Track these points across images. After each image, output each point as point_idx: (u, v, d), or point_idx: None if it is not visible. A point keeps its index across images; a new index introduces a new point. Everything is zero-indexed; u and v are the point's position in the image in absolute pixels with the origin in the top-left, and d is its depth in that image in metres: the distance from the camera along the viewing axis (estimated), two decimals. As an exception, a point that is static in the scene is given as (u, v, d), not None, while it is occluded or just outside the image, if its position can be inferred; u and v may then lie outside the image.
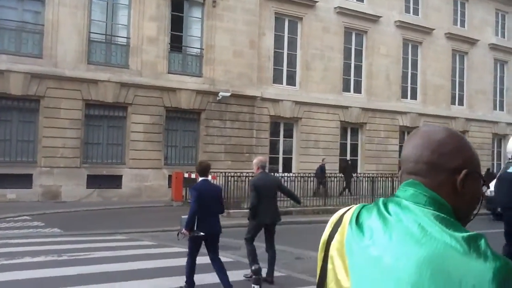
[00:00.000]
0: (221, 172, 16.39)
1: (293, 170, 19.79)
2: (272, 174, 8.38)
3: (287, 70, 20.97)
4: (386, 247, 1.05)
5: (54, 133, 15.66)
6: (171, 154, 18.07)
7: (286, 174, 17.38)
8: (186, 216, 6.13)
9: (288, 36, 21.09)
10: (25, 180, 15.20)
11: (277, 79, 20.58)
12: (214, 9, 18.71)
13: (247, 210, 14.41)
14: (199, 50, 18.72)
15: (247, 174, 15.71)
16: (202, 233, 6.07)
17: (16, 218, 12.26)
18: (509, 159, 15.66)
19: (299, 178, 16.19)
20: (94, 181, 16.23)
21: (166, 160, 17.76)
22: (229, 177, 14.72)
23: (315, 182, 17.79)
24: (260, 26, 19.84)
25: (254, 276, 5.19)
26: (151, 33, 17.47)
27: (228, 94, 18.44)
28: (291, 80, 21.02)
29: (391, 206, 1.12)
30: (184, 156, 18.32)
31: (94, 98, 16.44)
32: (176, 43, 18.39)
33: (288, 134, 20.91)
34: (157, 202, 16.52)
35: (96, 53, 16.90)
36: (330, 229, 1.22)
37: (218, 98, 18.38)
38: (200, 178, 6.44)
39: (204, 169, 6.42)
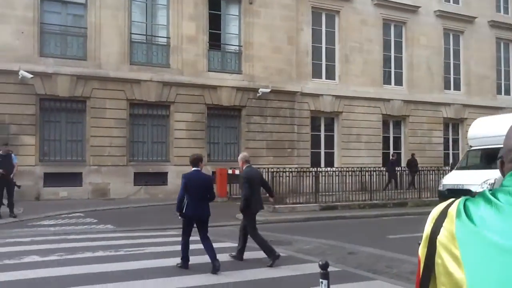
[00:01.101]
0: (263, 168, 16.45)
1: (335, 164, 19.64)
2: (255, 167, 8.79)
3: (326, 64, 20.81)
4: (503, 232, 1.06)
5: (101, 132, 16.07)
6: (213, 150, 18.26)
7: (328, 168, 17.27)
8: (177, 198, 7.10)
9: (326, 30, 20.92)
10: (75, 179, 15.69)
11: (316, 74, 20.45)
12: (251, 6, 18.76)
13: (292, 205, 14.56)
14: (237, 47, 18.81)
15: (290, 169, 15.75)
16: (181, 215, 7.03)
17: (70, 215, 12.65)
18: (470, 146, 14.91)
19: (343, 172, 16.03)
20: (140, 178, 16.58)
21: (209, 156, 17.95)
22: (273, 173, 14.70)
23: (387, 176, 18.17)
24: (298, 21, 19.76)
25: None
26: (190, 32, 17.67)
27: (268, 90, 18.46)
28: (330, 74, 20.85)
29: (500, 195, 1.13)
30: (226, 153, 18.47)
31: (138, 98, 16.77)
32: (215, 41, 18.53)
33: (329, 129, 20.77)
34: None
35: (137, 54, 17.23)
36: (432, 224, 1.22)
37: (258, 95, 18.42)
38: (192, 168, 7.14)
39: (194, 160, 7.19)
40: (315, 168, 16.82)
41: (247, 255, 8.24)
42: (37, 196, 14.94)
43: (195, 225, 7.28)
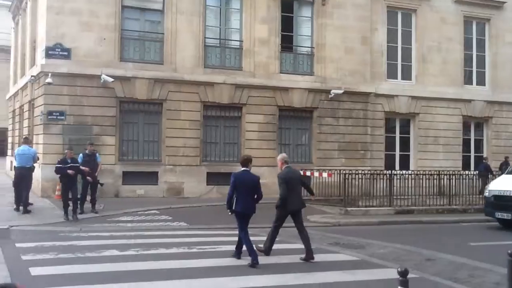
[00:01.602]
0: (336, 170, 16.18)
1: (412, 167, 18.86)
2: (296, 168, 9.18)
3: (401, 64, 20.08)
4: None
5: (176, 133, 16.56)
6: (285, 152, 18.15)
7: (403, 171, 16.61)
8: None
9: (401, 30, 20.21)
10: (151, 177, 16.27)
11: (391, 74, 19.80)
12: (324, 7, 18.52)
13: (365, 208, 14.17)
14: (309, 49, 18.65)
15: (363, 172, 15.33)
16: (232, 211, 7.53)
17: (146, 212, 13.12)
18: None
19: (420, 176, 15.37)
20: (213, 178, 16.87)
21: (280, 158, 17.88)
22: (346, 175, 14.39)
23: (480, 181, 17.26)
24: (372, 20, 19.24)
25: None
26: (262, 35, 17.75)
27: (341, 91, 18.12)
28: (406, 75, 20.09)
29: None
30: (298, 154, 18.34)
31: (211, 100, 17.10)
32: (287, 43, 18.48)
33: (405, 131, 20.00)
34: (272, 199, 16.62)
35: (211, 57, 17.57)
36: None
37: (330, 96, 18.14)
38: (242, 168, 7.71)
39: (244, 161, 7.83)
40: (389, 171, 16.25)
41: (320, 257, 8.10)
42: (116, 193, 15.65)
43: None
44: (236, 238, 9.90)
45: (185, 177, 16.62)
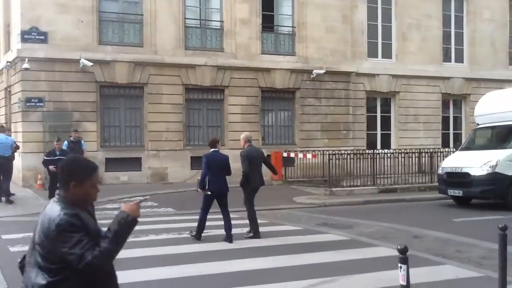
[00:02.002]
0: (319, 150, 16.30)
1: (392, 146, 19.14)
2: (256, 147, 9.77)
3: (382, 42, 20.13)
4: None
5: (158, 117, 16.38)
6: (268, 134, 18.23)
7: (385, 150, 16.84)
8: (199, 178, 8.12)
9: (381, 7, 20.20)
10: (135, 163, 16.12)
11: (372, 53, 19.85)
12: (304, -14, 18.37)
13: (349, 188, 14.34)
14: (291, 28, 18.54)
15: (346, 152, 15.47)
16: (209, 192, 7.86)
17: (132, 199, 12.92)
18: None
19: (402, 154, 15.60)
20: (197, 163, 16.55)
21: (263, 140, 17.93)
22: (330, 155, 14.49)
23: None
24: (352, -1, 19.18)
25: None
26: (243, 15, 17.55)
27: (323, 71, 18.12)
28: (387, 53, 20.16)
29: None
30: (281, 136, 18.39)
31: (193, 83, 16.92)
32: (268, 23, 18.33)
33: (386, 110, 20.19)
34: (258, 182, 16.77)
35: (192, 39, 17.33)
36: None
37: (312, 76, 18.14)
38: (211, 149, 8.17)
39: (212, 142, 8.30)
40: (372, 150, 16.43)
41: (309, 238, 8.20)
42: (100, 180, 15.45)
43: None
44: (221, 223, 9.99)
45: (169, 162, 16.51)
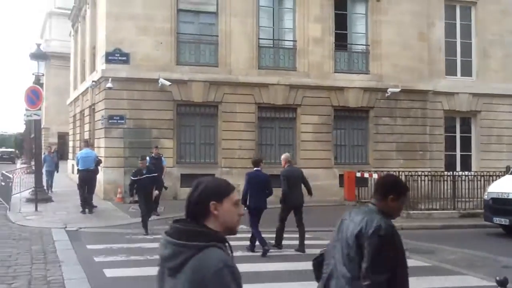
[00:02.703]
0: (394, 171, 15.72)
1: (473, 168, 18.15)
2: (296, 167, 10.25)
3: (461, 60, 19.33)
4: None
5: (232, 135, 16.66)
6: (340, 153, 17.95)
7: (466, 172, 15.97)
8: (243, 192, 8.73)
9: (460, 24, 19.47)
10: (208, 180, 16.37)
11: (450, 71, 19.10)
12: (378, 3, 18.11)
13: (428, 211, 13.70)
14: (364, 46, 18.29)
15: (424, 173, 14.82)
16: (245, 208, 8.25)
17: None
18: None
19: (486, 177, 14.66)
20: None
21: (336, 159, 17.69)
22: (406, 176, 13.94)
23: None
24: (429, 15, 18.64)
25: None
26: (316, 34, 17.57)
27: (398, 89, 17.66)
28: (467, 71, 19.32)
29: None
30: (354, 155, 18.04)
31: (266, 101, 17.09)
32: (341, 41, 18.22)
33: (465, 130, 19.26)
34: (329, 201, 16.47)
35: (265, 58, 17.57)
36: None
37: (387, 95, 17.72)
38: (254, 168, 8.90)
39: (256, 162, 9.13)
40: (452, 172, 15.64)
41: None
42: (175, 195, 15.90)
43: None
44: (294, 242, 9.89)
45: (241, 180, 16.32)
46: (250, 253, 8.56)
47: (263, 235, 8.71)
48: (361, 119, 18.15)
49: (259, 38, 17.35)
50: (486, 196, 11.85)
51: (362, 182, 16.39)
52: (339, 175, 17.16)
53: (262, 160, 9.31)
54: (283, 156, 9.46)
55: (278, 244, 8.83)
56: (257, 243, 8.64)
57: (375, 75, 17.92)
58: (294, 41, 17.65)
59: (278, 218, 8.93)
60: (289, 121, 17.58)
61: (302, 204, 8.95)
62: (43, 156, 18.27)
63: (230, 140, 16.64)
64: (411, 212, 13.44)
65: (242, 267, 6.09)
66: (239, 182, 16.49)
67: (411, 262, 7.94)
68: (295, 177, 8.86)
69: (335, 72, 17.76)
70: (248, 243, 8.84)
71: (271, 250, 8.55)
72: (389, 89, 17.60)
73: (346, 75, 17.83)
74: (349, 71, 18.02)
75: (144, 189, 10.59)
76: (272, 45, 17.72)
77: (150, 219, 12.13)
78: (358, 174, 16.20)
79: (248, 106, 16.94)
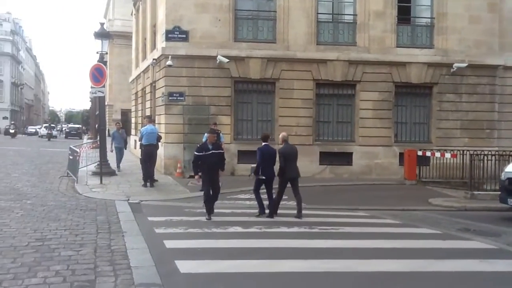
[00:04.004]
0: (458, 150, 15.11)
1: (547, 148, 17.02)
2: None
3: (536, 32, 18.00)
4: None
5: (289, 112, 16.56)
6: (401, 131, 17.41)
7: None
8: (254, 165, 9.74)
9: (537, -8, 18.06)
10: (265, 157, 16.45)
11: (523, 44, 17.86)
12: (445, -26, 17.13)
13: (494, 192, 13.06)
14: (429, 19, 17.44)
15: (490, 152, 14.07)
16: (263, 177, 9.49)
17: (262, 191, 13.29)
18: None
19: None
20: (326, 158, 16.71)
21: (396, 137, 17.19)
22: (471, 155, 13.32)
23: None
24: (501, -16, 17.44)
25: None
26: (377, 8, 16.96)
27: (464, 65, 16.79)
28: (542, 44, 17.97)
29: None
30: (415, 133, 17.45)
31: (324, 78, 16.80)
32: (404, 14, 17.47)
33: (539, 107, 18.04)
34: (388, 180, 16.12)
35: (324, 33, 17.19)
36: None
37: (452, 70, 16.90)
38: (263, 143, 9.78)
39: (265, 137, 10.01)
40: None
41: (451, 244, 7.61)
42: (232, 171, 16.11)
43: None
44: (356, 220, 9.75)
45: (298, 157, 16.53)
46: (308, 230, 8.48)
47: (312, 211, 9.37)
48: (423, 95, 17.46)
49: (317, 13, 16.97)
50: (502, 176, 10.99)
51: (423, 161, 15.86)
52: (399, 153, 16.69)
53: (269, 136, 10.43)
54: (280, 136, 10.38)
55: (273, 213, 9.68)
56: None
57: (439, 50, 17.09)
58: (354, 15, 17.12)
59: (278, 188, 9.77)
60: (348, 98, 17.21)
61: (298, 176, 9.85)
62: (111, 132, 19.04)
63: (287, 117, 16.56)
64: (476, 192, 12.86)
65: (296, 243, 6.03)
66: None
67: (474, 244, 7.70)
68: (292, 154, 9.78)
69: (397, 47, 17.12)
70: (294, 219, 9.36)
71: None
72: (455, 64, 16.78)
73: (408, 49, 17.14)
74: (412, 45, 17.29)
75: (210, 166, 9.20)
76: (331, 20, 17.28)
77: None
78: (420, 153, 15.66)
79: (306, 82, 16.72)
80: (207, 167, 9.24)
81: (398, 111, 17.35)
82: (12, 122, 57.70)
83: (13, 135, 46.55)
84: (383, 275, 5.80)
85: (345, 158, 16.88)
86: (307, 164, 16.53)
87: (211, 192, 9.33)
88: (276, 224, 8.83)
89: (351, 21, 17.22)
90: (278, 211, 9.80)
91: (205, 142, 9.92)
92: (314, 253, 6.80)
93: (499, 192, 11.20)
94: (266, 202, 9.73)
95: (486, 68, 17.17)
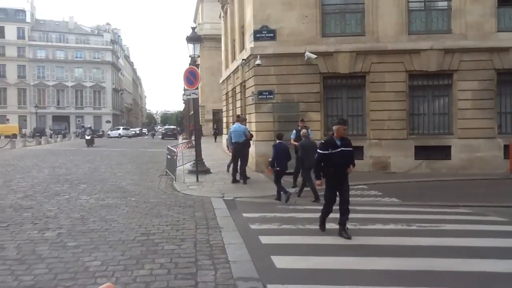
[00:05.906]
0: None
1: None
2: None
3: None
4: None
5: (380, 106, 16.10)
6: (505, 121, 16.20)
7: None
8: (270, 159, 11.47)
9: None
10: (356, 152, 16.04)
11: None
12: None
13: None
14: (535, -1, 16.03)
15: None
16: (278, 168, 10.76)
17: (355, 187, 13.04)
18: None
19: None
20: (421, 152, 16.02)
21: (500, 128, 16.03)
22: None
23: None
24: None
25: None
26: (475, -9, 15.89)
27: None
28: None
29: None
30: (523, 125, 16.16)
31: (417, 69, 16.11)
32: (506, -4, 16.21)
33: None
34: (491, 174, 15.08)
35: (416, 22, 16.49)
36: None
37: None
38: (277, 141, 11.16)
39: (279, 136, 11.33)
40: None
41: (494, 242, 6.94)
42: (323, 168, 15.97)
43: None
44: (456, 217, 9.27)
45: (391, 151, 16.09)
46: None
47: (408, 208, 9.32)
48: (530, 82, 16.10)
49: (408, 1, 16.33)
50: None
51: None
52: (504, 145, 15.53)
53: (283, 135, 11.67)
54: (301, 132, 11.97)
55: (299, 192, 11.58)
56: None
57: (548, 32, 15.66)
58: (449, 1, 16.24)
59: (303, 178, 11.51)
60: (444, 89, 16.34)
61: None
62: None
63: (378, 111, 16.11)
64: None
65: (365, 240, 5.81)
66: (389, 154, 16.17)
67: None
68: (310, 147, 10.93)
69: (498, 32, 15.95)
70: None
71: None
72: None
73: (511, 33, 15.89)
74: (516, 29, 16.01)
75: (338, 168, 7.23)
76: (423, 8, 16.53)
77: (294, 191, 12.15)
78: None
79: (398, 74, 16.15)
80: (334, 169, 7.21)
81: (501, 100, 16.18)
82: (89, 126, 48.06)
83: (90, 143, 36.21)
84: (491, 276, 5.46)
85: (443, 152, 16.04)
86: (402, 159, 16.03)
87: (337, 200, 7.39)
88: (371, 221, 8.63)
89: (445, 7, 16.33)
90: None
91: (331, 137, 7.42)
92: (414, 251, 6.57)
93: None
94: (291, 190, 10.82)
95: None
